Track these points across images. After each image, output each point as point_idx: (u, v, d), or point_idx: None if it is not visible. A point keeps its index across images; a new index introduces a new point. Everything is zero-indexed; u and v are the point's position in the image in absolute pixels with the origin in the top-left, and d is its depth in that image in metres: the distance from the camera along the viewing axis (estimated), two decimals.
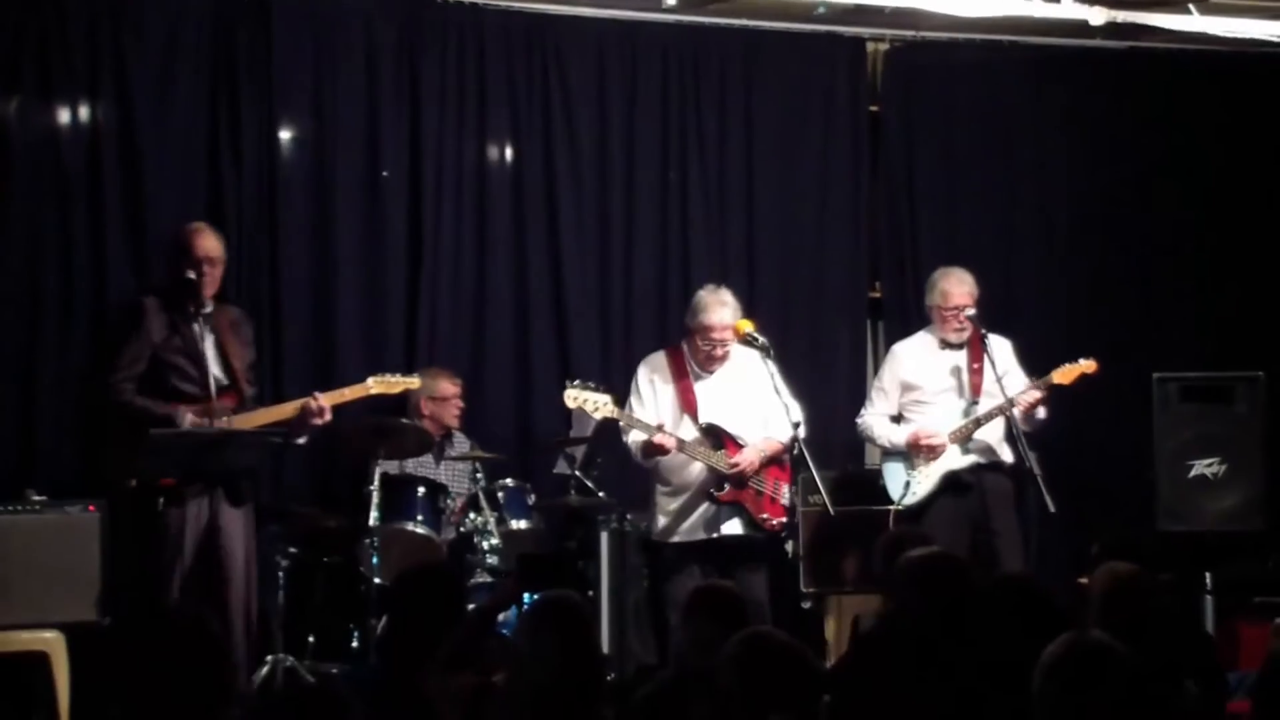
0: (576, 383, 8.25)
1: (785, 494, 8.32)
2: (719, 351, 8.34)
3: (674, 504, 8.37)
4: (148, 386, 7.81)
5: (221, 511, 7.86)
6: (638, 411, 8.34)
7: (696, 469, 8.30)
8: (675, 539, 8.36)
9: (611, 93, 10.29)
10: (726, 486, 8.25)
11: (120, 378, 7.82)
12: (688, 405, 8.36)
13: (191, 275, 7.89)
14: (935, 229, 10.84)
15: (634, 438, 8.32)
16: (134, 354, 7.83)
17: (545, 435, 9.63)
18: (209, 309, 7.95)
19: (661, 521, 8.40)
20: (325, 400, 8.05)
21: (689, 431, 8.30)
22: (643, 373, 8.49)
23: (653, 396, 8.40)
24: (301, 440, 8.25)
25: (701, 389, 8.39)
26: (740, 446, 8.29)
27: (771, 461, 8.32)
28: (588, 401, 8.15)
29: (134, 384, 7.80)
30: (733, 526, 8.33)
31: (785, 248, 10.60)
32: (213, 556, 7.82)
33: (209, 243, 8.03)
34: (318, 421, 8.05)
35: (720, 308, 8.35)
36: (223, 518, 7.86)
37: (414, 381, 8.58)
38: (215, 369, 7.88)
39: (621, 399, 8.39)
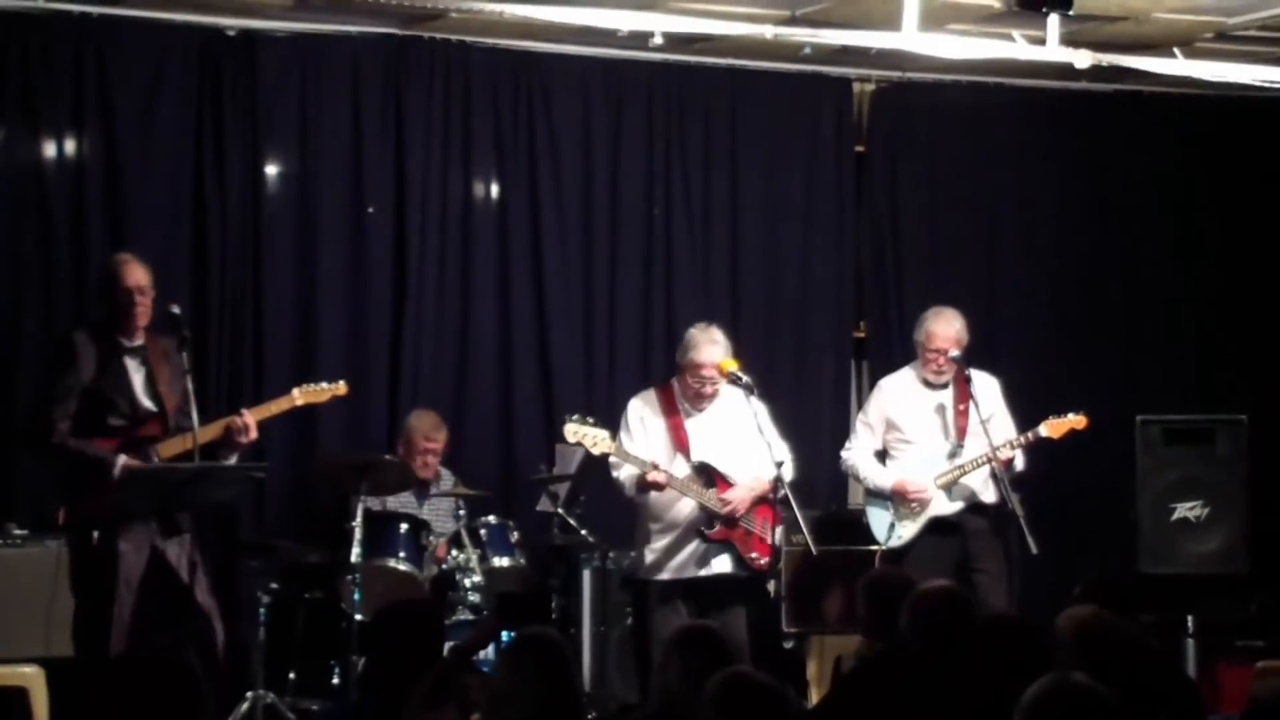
0: (575, 417, 8.21)
1: (775, 534, 8.29)
2: (708, 389, 8.32)
3: (663, 541, 8.33)
4: (81, 422, 7.60)
5: (162, 545, 7.74)
6: (628, 448, 8.32)
7: (686, 507, 8.28)
8: (662, 576, 8.32)
9: (597, 130, 10.31)
10: (717, 525, 8.23)
11: (56, 415, 7.58)
12: (679, 443, 8.34)
13: (125, 304, 7.79)
14: (920, 269, 10.86)
15: (626, 473, 8.28)
16: (66, 390, 7.66)
17: (528, 472, 9.62)
18: (140, 340, 7.83)
19: (649, 558, 8.36)
20: (250, 416, 7.93)
21: (681, 469, 8.28)
22: (633, 409, 8.46)
23: (644, 433, 8.37)
24: (231, 460, 8.12)
25: (692, 426, 8.38)
26: (730, 485, 8.27)
27: (761, 501, 8.30)
28: (587, 436, 8.12)
29: (69, 423, 7.59)
30: (722, 564, 8.29)
31: (769, 286, 10.61)
32: (164, 592, 7.72)
33: (137, 273, 7.89)
34: (244, 440, 7.93)
35: (711, 346, 8.33)
36: (168, 552, 7.73)
37: (340, 388, 8.39)
38: (144, 399, 7.79)
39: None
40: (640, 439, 8.33)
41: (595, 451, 8.18)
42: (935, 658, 5.82)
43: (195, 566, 7.67)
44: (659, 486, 8.15)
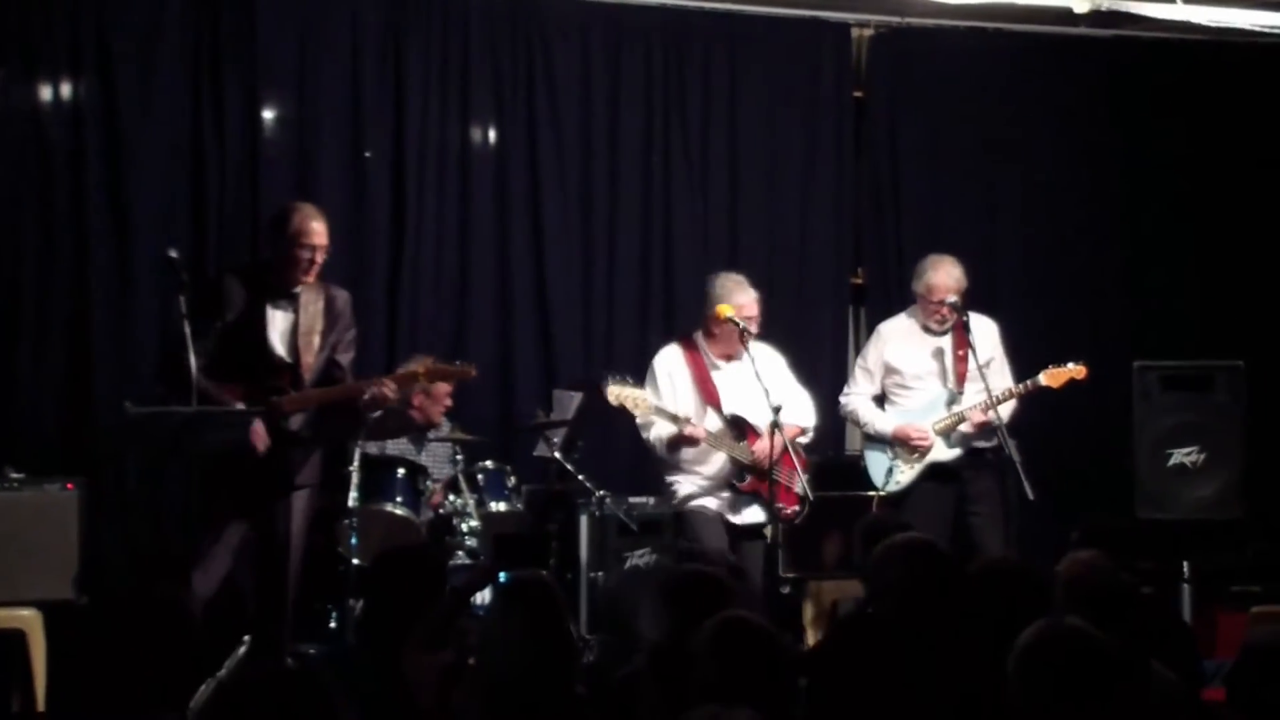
0: (617, 378, 8.20)
1: (799, 483, 8.32)
2: (754, 328, 8.37)
3: (694, 489, 8.40)
4: (213, 363, 7.44)
5: (272, 498, 7.72)
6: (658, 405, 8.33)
7: (718, 460, 8.32)
8: (699, 504, 8.41)
9: (596, 76, 10.28)
10: (748, 477, 8.25)
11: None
12: (710, 396, 8.36)
13: (283, 252, 7.65)
14: (918, 215, 10.84)
15: (657, 431, 8.28)
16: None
17: (526, 417, 9.62)
18: (297, 289, 7.72)
19: (684, 491, 8.45)
20: (390, 382, 7.85)
21: (713, 422, 8.30)
22: (660, 366, 8.46)
23: (672, 389, 8.39)
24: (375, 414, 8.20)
25: (720, 379, 8.40)
26: (759, 436, 8.29)
27: (785, 450, 8.31)
28: (629, 398, 8.12)
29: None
30: (753, 514, 8.37)
31: (768, 232, 10.60)
32: (263, 542, 7.72)
33: (301, 222, 7.68)
34: (385, 401, 7.87)
35: (749, 288, 8.40)
36: (279, 506, 7.72)
37: (470, 371, 8.32)
38: (279, 348, 7.68)
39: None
40: (669, 395, 8.33)
41: (637, 413, 8.16)
42: (914, 610, 5.83)
43: (291, 526, 7.69)
44: (695, 442, 8.17)
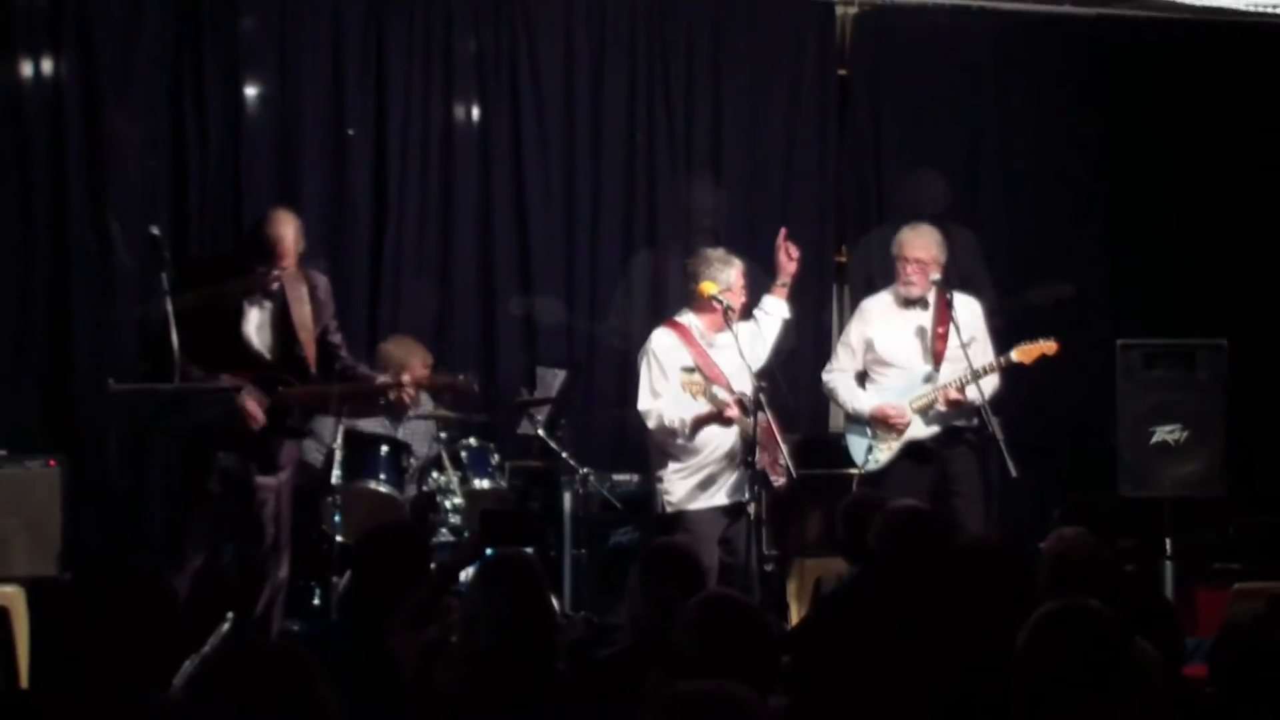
0: (684, 366, 8.18)
1: (783, 457, 8.30)
2: (743, 299, 8.40)
3: (697, 475, 8.36)
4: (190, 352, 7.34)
5: (254, 478, 7.71)
6: (664, 390, 8.28)
7: (726, 440, 8.30)
8: (696, 506, 8.36)
9: (579, 54, 10.25)
10: (758, 452, 8.23)
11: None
12: (716, 376, 8.31)
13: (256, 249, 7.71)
14: (901, 194, 10.82)
15: (676, 414, 8.22)
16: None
17: (509, 395, 9.62)
18: (273, 285, 7.73)
19: (682, 490, 8.39)
20: (410, 386, 8.00)
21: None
22: (660, 352, 8.35)
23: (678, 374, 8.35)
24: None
25: (716, 357, 8.38)
26: (762, 411, 8.26)
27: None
28: (693, 385, 8.06)
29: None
30: (745, 491, 8.34)
31: (751, 211, 10.57)
32: (248, 521, 7.72)
33: (278, 226, 7.79)
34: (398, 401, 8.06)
35: (734, 260, 8.45)
36: (261, 487, 7.71)
37: (472, 387, 8.50)
38: (254, 341, 7.68)
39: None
40: (675, 379, 8.24)
41: (696, 400, 8.11)
42: (906, 574, 5.86)
43: (279, 506, 7.67)
44: (730, 421, 8.14)
